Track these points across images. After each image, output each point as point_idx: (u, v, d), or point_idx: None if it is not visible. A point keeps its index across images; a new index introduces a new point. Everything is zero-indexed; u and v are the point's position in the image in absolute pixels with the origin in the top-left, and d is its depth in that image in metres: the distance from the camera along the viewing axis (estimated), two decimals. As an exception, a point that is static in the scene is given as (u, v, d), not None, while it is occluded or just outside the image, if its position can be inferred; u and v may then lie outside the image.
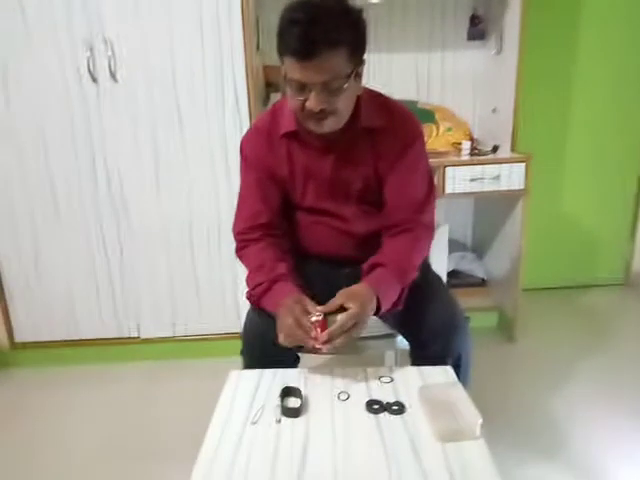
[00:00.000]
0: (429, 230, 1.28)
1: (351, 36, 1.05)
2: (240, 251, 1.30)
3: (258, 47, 2.12)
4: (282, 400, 0.97)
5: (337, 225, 1.29)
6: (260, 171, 1.26)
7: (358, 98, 1.17)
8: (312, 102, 1.06)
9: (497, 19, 2.20)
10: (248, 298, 1.24)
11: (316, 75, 1.03)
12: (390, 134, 1.21)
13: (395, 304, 1.16)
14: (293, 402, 0.99)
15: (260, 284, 1.18)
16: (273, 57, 2.34)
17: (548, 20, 2.38)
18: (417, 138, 1.25)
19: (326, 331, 1.01)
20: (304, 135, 1.21)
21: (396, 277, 1.16)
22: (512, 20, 2.07)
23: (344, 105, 1.11)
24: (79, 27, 1.83)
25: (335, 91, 1.06)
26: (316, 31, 0.99)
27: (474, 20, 2.33)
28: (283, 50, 1.06)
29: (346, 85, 1.07)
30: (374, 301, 1.10)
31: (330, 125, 1.12)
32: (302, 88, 1.06)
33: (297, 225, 1.33)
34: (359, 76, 1.13)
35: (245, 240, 1.28)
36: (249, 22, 1.85)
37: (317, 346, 1.02)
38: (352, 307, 1.04)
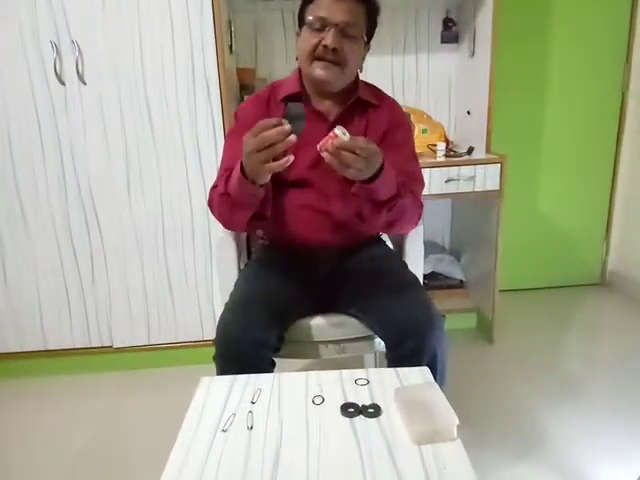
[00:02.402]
0: (419, 202, 1.29)
1: (371, 5, 1.25)
2: (209, 201, 1.28)
3: (231, 50, 2.09)
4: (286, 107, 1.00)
5: (318, 205, 1.31)
6: None
7: (356, 78, 1.33)
8: (329, 39, 1.19)
9: (469, 22, 2.22)
10: (212, 204, 1.25)
11: (341, 14, 1.19)
12: (382, 112, 1.34)
13: (386, 188, 1.14)
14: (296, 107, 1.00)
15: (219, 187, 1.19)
16: (247, 59, 2.35)
17: (520, 22, 2.41)
18: (406, 121, 1.41)
19: (337, 140, 0.98)
20: (305, 97, 1.31)
21: (395, 181, 1.16)
22: (484, 23, 2.08)
23: (351, 60, 1.24)
24: (45, 29, 1.78)
25: (350, 38, 1.21)
26: None
27: (447, 23, 2.34)
28: None
29: (360, 37, 1.24)
30: (382, 158, 1.09)
31: (335, 74, 1.23)
32: (323, 27, 1.20)
33: (278, 208, 1.31)
34: (366, 49, 1.30)
35: (214, 187, 1.26)
36: (221, 23, 1.83)
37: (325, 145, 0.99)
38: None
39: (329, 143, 1.00)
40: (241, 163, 1.08)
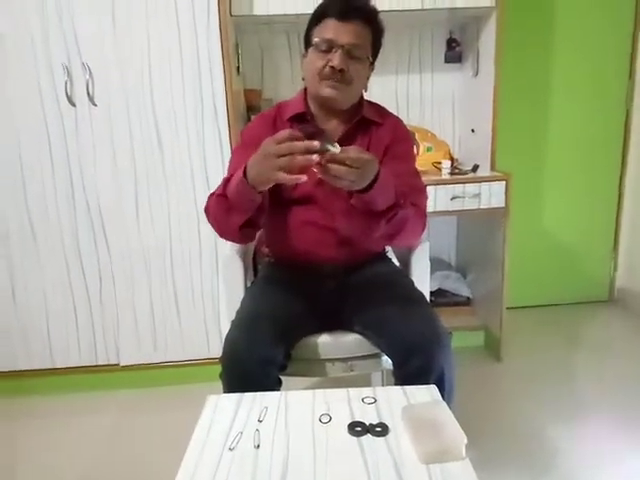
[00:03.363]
0: (422, 213, 1.28)
1: (376, 27, 1.29)
2: (206, 205, 1.28)
3: (239, 71, 2.13)
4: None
5: (322, 222, 1.32)
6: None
7: (361, 97, 1.36)
8: (336, 60, 1.22)
9: (473, 42, 2.25)
10: (208, 211, 1.26)
11: (347, 36, 1.22)
12: (385, 129, 1.37)
13: (383, 198, 1.13)
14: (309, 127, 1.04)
15: (219, 194, 1.18)
16: (253, 80, 2.39)
17: (523, 41, 2.44)
18: (409, 136, 1.44)
19: (328, 153, 0.97)
20: (310, 117, 1.34)
21: (394, 190, 1.15)
22: (487, 43, 2.11)
23: (357, 80, 1.27)
24: (56, 51, 1.82)
25: (356, 59, 1.24)
26: (357, 3, 1.26)
27: (451, 44, 2.38)
28: (323, 13, 1.25)
29: (365, 59, 1.27)
30: (377, 166, 1.07)
31: (342, 93, 1.26)
32: (329, 49, 1.23)
33: (284, 225, 1.33)
34: (370, 69, 1.32)
35: (211, 194, 1.26)
36: (228, 46, 1.86)
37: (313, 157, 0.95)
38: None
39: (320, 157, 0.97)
40: (245, 167, 1.07)
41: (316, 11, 1.29)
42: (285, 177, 0.98)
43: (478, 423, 1.78)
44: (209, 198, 1.28)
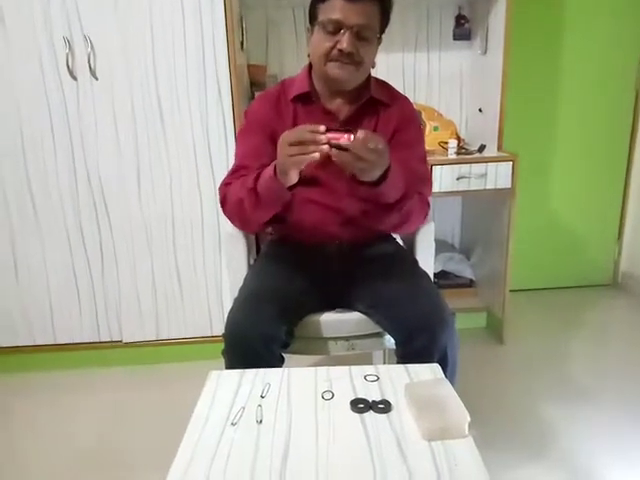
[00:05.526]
0: (426, 202, 1.30)
1: (385, 4, 1.22)
2: (223, 197, 1.28)
3: (243, 46, 2.09)
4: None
5: (327, 202, 1.31)
6: (263, 134, 1.27)
7: (368, 76, 1.30)
8: (345, 42, 1.17)
9: (482, 19, 2.20)
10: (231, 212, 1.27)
11: (356, 16, 1.16)
12: (393, 111, 1.33)
13: (394, 191, 1.16)
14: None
15: (249, 187, 1.17)
16: (258, 56, 2.35)
17: (533, 19, 2.39)
18: (416, 118, 1.40)
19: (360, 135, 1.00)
20: (315, 97, 1.30)
21: (403, 182, 1.17)
22: (497, 20, 2.06)
23: (366, 60, 1.23)
24: (57, 24, 1.79)
25: (365, 40, 1.19)
26: None
27: (459, 20, 2.32)
28: None
29: (374, 39, 1.22)
30: (388, 159, 1.08)
31: (350, 73, 1.22)
32: (337, 30, 1.18)
33: (287, 204, 1.30)
34: (378, 44, 1.27)
35: (227, 184, 1.28)
36: (232, 20, 1.82)
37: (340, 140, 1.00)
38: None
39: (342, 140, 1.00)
40: (275, 165, 1.10)
41: None
42: (296, 159, 1.02)
43: (479, 404, 1.78)
44: (223, 189, 1.28)
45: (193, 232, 2.01)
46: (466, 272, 2.45)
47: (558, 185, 2.65)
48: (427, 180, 1.34)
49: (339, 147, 1.00)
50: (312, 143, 0.99)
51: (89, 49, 1.81)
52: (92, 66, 1.82)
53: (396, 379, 1.01)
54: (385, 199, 1.16)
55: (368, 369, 1.05)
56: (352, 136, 1.00)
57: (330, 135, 1.00)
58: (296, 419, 0.90)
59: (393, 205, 1.18)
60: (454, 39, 2.35)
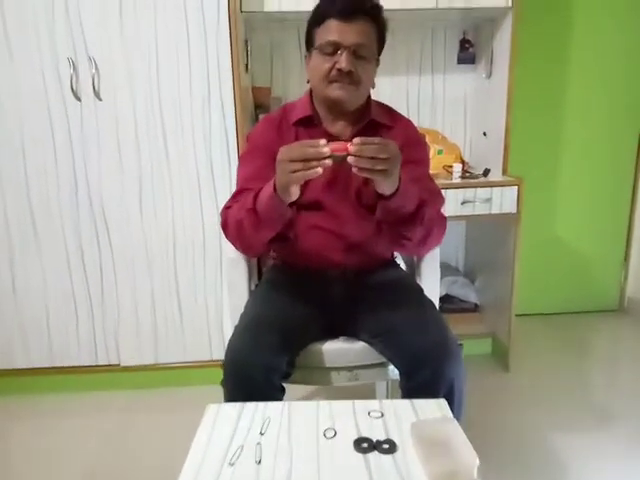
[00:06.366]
0: (443, 218, 1.26)
1: (380, 23, 1.23)
2: (224, 221, 1.26)
3: (247, 68, 2.09)
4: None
5: (331, 227, 1.29)
6: (266, 157, 1.24)
7: (368, 98, 1.31)
8: (344, 62, 1.17)
9: (487, 43, 2.20)
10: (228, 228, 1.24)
11: (353, 36, 1.17)
12: (396, 133, 1.30)
13: (410, 198, 1.13)
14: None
15: (247, 208, 1.15)
16: (262, 78, 2.35)
17: (538, 43, 2.39)
18: (422, 140, 1.39)
19: (357, 139, 0.98)
20: (317, 120, 1.30)
21: (416, 189, 1.14)
22: (502, 44, 2.07)
23: (366, 79, 1.23)
24: (62, 44, 1.79)
25: (363, 59, 1.20)
26: (359, 0, 1.19)
27: (464, 44, 2.33)
28: (324, 14, 1.20)
29: (372, 58, 1.23)
30: (400, 156, 1.05)
31: (351, 93, 1.22)
32: (335, 51, 1.18)
33: (288, 225, 1.28)
34: (376, 66, 1.27)
35: (228, 207, 1.26)
36: (237, 43, 1.82)
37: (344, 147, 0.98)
38: None
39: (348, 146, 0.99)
40: (274, 182, 1.08)
41: (316, 11, 1.24)
42: (298, 175, 1.00)
43: (485, 436, 1.73)
44: (225, 212, 1.26)
45: (194, 256, 1.99)
46: (470, 296, 2.41)
47: (563, 209, 2.62)
48: (439, 194, 1.31)
49: (341, 160, 0.99)
50: (314, 158, 0.98)
51: (93, 70, 1.80)
52: (96, 87, 1.82)
53: (401, 415, 0.97)
54: (405, 209, 1.12)
55: (372, 404, 1.01)
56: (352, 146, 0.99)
57: (332, 146, 0.99)
58: (296, 460, 0.86)
59: (415, 215, 1.14)
60: (458, 63, 2.35)
